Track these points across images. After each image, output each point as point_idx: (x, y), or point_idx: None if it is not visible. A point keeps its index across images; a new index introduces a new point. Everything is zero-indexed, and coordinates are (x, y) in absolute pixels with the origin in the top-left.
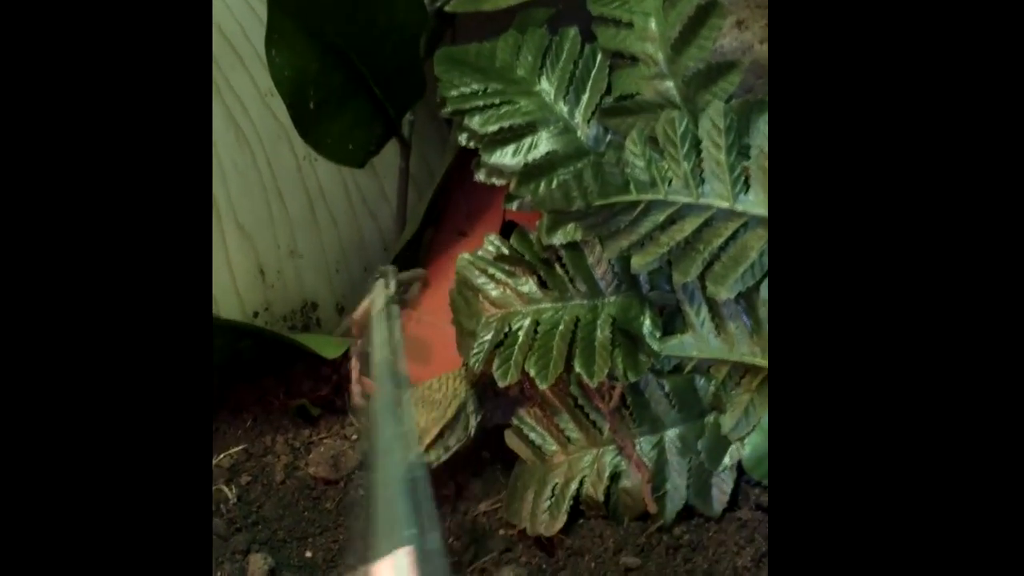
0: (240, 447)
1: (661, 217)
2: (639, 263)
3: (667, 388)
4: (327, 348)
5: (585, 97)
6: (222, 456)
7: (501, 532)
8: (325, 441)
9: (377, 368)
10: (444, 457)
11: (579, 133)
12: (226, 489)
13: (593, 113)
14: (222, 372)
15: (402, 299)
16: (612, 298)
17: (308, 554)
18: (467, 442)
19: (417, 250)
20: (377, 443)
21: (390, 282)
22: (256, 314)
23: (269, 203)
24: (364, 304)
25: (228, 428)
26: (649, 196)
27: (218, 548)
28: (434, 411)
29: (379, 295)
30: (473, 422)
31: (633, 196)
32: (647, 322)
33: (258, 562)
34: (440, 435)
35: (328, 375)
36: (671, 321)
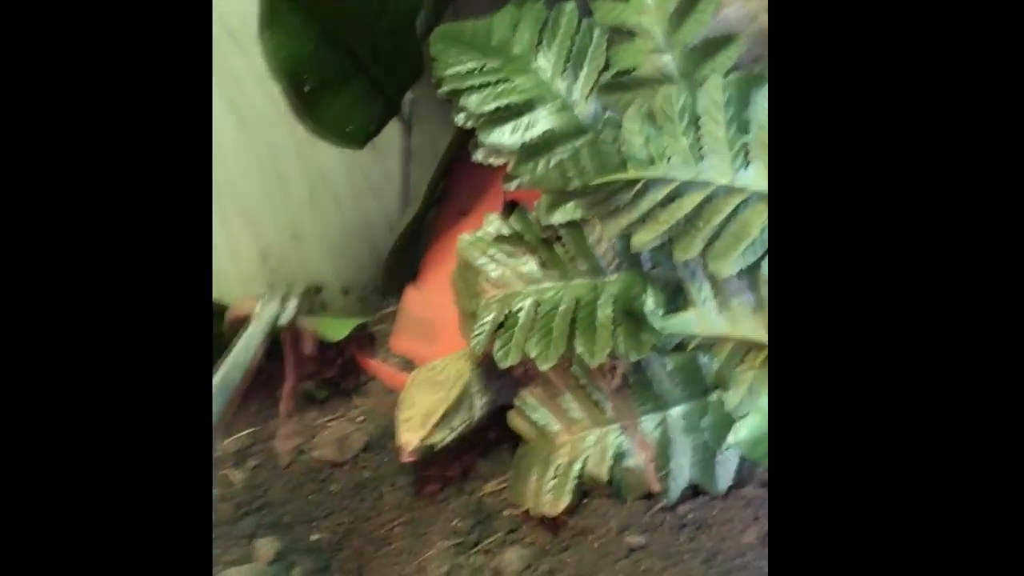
0: (247, 431)
1: (660, 195)
2: (639, 241)
3: (670, 367)
4: (331, 330)
5: (583, 74)
6: (228, 440)
7: (506, 513)
8: (331, 424)
9: (222, 369)
10: (449, 438)
11: (577, 111)
12: (232, 473)
13: (591, 90)
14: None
15: (284, 327)
16: (613, 277)
17: (315, 537)
18: (472, 423)
19: (420, 230)
20: None
21: (288, 306)
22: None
23: (270, 187)
24: (252, 306)
25: (234, 412)
26: (647, 174)
27: (225, 532)
28: (438, 392)
29: (270, 309)
30: (478, 403)
31: (631, 174)
32: (649, 300)
33: (265, 546)
34: (444, 416)
35: (333, 358)
36: (673, 299)
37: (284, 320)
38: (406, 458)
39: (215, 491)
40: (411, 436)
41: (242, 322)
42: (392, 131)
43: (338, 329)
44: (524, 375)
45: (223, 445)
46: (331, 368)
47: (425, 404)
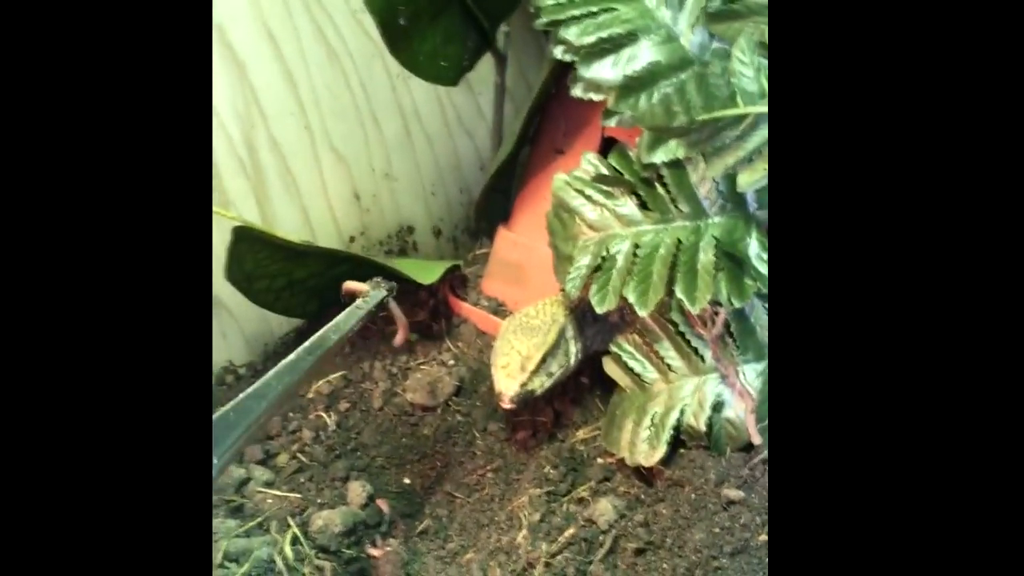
0: (339, 373)
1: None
2: (746, 181)
3: None
4: (423, 273)
5: (689, 1)
6: (321, 383)
7: (599, 461)
8: (422, 367)
9: (320, 334)
10: (548, 384)
11: (683, 41)
12: (326, 415)
13: (698, 19)
14: (320, 299)
15: (378, 312)
16: (716, 219)
17: (406, 481)
18: (569, 369)
19: (512, 169)
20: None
21: (389, 299)
22: (352, 239)
23: (363, 125)
24: (365, 288)
25: (326, 354)
26: (758, 108)
27: (318, 474)
28: (535, 337)
29: (375, 296)
30: (574, 348)
31: (740, 109)
32: (753, 243)
33: (357, 489)
34: (543, 362)
35: (425, 300)
36: None
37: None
38: (506, 405)
39: (306, 434)
40: (510, 383)
41: (353, 296)
42: (484, 67)
43: (430, 273)
44: (619, 321)
45: (316, 387)
46: (422, 311)
47: (522, 350)
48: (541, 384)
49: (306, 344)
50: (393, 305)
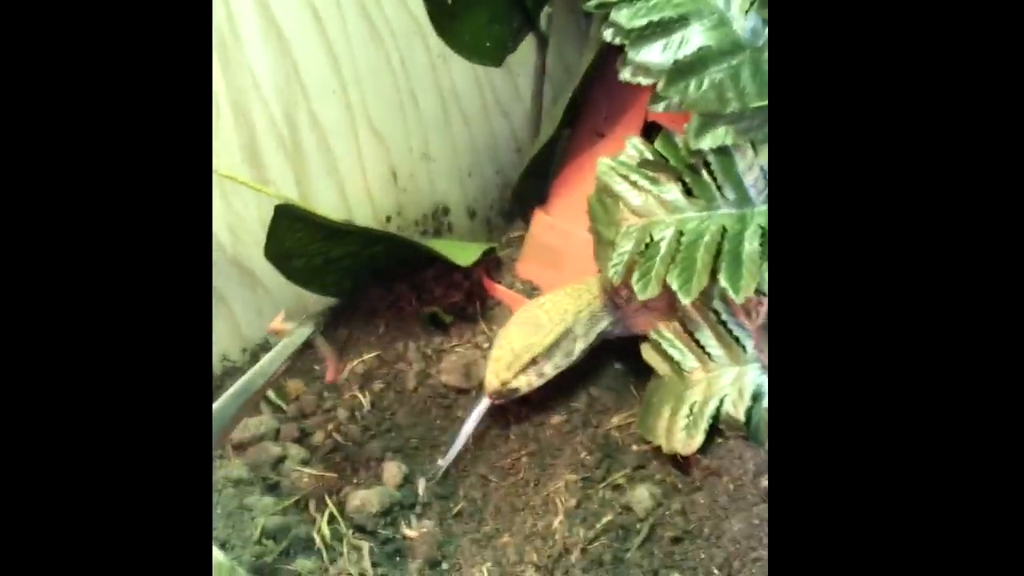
0: (373, 354)
1: None
2: None
3: None
4: (459, 254)
5: None
6: (356, 362)
7: (635, 448)
8: (457, 349)
9: (246, 379)
10: (538, 383)
11: (735, 26)
12: (360, 395)
13: (752, 3)
14: (355, 278)
15: (308, 347)
16: (763, 207)
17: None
18: (568, 366)
19: (552, 152)
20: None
21: (316, 335)
22: (388, 219)
23: (403, 104)
24: (288, 328)
25: (361, 334)
26: None
27: (353, 454)
28: (534, 335)
29: (301, 334)
30: (579, 348)
31: None
32: None
33: (392, 469)
34: (534, 362)
35: (460, 282)
36: None
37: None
38: (488, 399)
39: (341, 413)
40: (493, 378)
41: (279, 335)
42: (522, 49)
43: (466, 254)
44: (641, 308)
45: (352, 366)
46: (457, 292)
47: (516, 346)
48: (528, 383)
49: (231, 390)
50: (320, 341)
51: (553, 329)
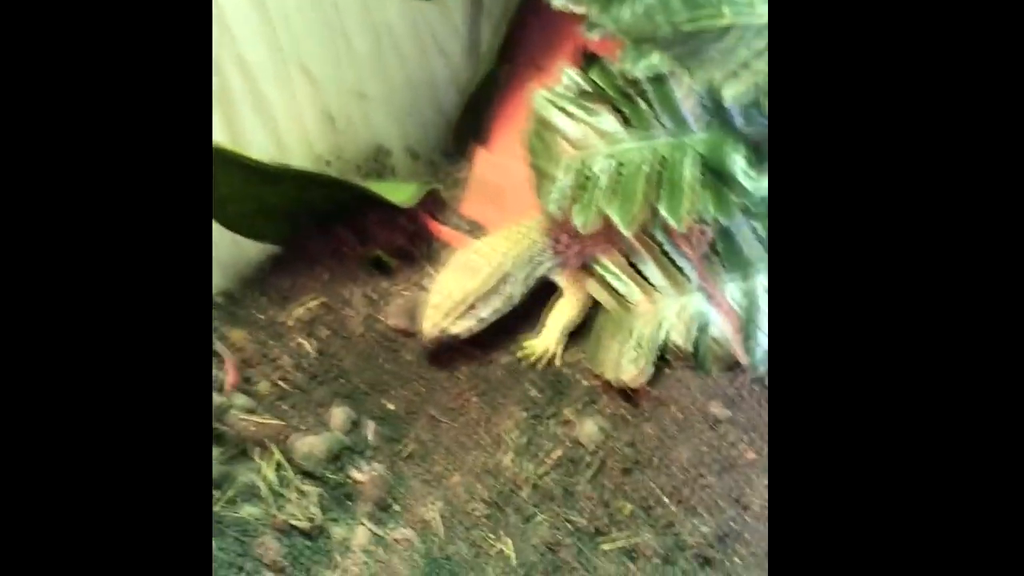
0: (318, 300)
1: (760, 43)
2: (732, 94)
3: (760, 231)
4: (399, 195)
5: None
6: (301, 309)
7: (584, 383)
8: (403, 292)
9: None
10: (477, 328)
11: None
12: (305, 342)
13: None
14: (294, 223)
15: None
16: (701, 134)
17: (390, 406)
18: (506, 312)
19: (490, 88)
20: None
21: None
22: (328, 163)
23: (335, 44)
24: None
25: (304, 281)
26: (745, 19)
27: (300, 401)
28: (472, 280)
29: None
30: (518, 292)
31: (727, 19)
32: (739, 159)
33: (339, 414)
34: (472, 307)
35: (403, 224)
36: (765, 157)
37: None
38: (425, 344)
39: (286, 361)
40: (431, 324)
41: None
42: None
43: (406, 194)
44: (582, 249)
45: (296, 313)
46: (401, 235)
47: (455, 291)
48: (468, 328)
49: None
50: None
51: (491, 273)
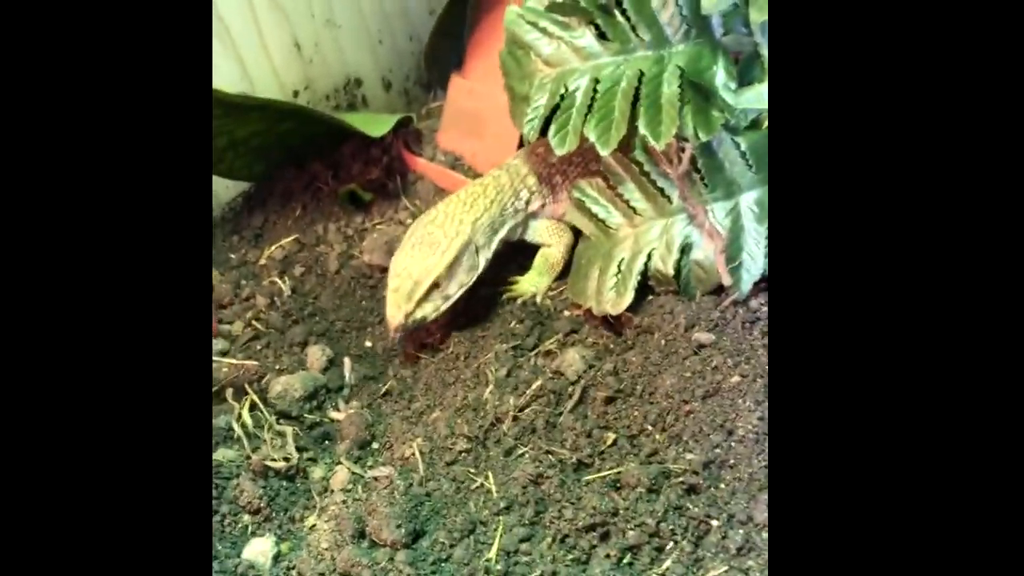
0: (291, 237)
1: None
2: (711, 2)
3: (743, 147)
4: (372, 126)
5: None
6: (274, 248)
7: (566, 313)
8: (379, 227)
9: None
10: (444, 307)
11: None
12: (280, 282)
13: None
14: (266, 159)
15: None
16: (680, 47)
17: (368, 344)
18: (473, 284)
19: (463, 10)
20: None
21: None
22: (296, 93)
23: None
24: None
25: (278, 218)
26: None
27: (276, 341)
28: (432, 255)
29: None
30: (483, 259)
31: None
32: (720, 72)
33: (316, 353)
34: (435, 286)
35: (378, 157)
36: (748, 70)
37: None
38: (392, 335)
39: (260, 301)
40: (395, 312)
41: None
42: None
43: (379, 125)
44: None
45: (269, 252)
46: (376, 168)
47: (414, 271)
48: (435, 308)
49: None
50: None
51: (450, 245)
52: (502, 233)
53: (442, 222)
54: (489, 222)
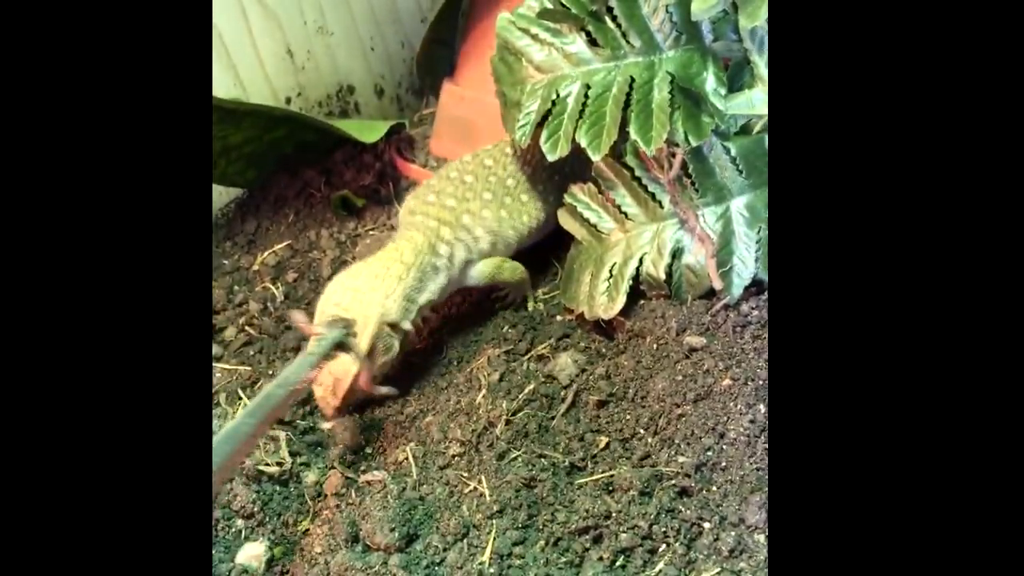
0: (284, 243)
1: None
2: (701, 8)
3: (733, 152)
4: (364, 132)
5: None
6: (267, 254)
7: (558, 318)
8: (372, 233)
9: (266, 392)
10: (377, 388)
11: None
12: (273, 287)
13: None
14: (259, 165)
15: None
16: (671, 53)
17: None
18: (401, 353)
19: (455, 17)
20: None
21: (350, 341)
22: (289, 100)
23: None
24: (317, 332)
25: (270, 224)
26: None
27: (269, 346)
28: (359, 310)
29: (331, 338)
30: (401, 336)
31: None
32: (711, 78)
33: None
34: (356, 379)
35: (370, 163)
36: (737, 75)
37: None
38: (329, 424)
39: (253, 306)
40: (326, 409)
41: (305, 336)
42: None
43: (372, 132)
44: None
45: (262, 258)
46: (368, 174)
47: (333, 367)
48: (366, 392)
49: (249, 406)
50: (352, 343)
51: (361, 337)
52: (423, 299)
53: (348, 305)
54: (404, 295)
